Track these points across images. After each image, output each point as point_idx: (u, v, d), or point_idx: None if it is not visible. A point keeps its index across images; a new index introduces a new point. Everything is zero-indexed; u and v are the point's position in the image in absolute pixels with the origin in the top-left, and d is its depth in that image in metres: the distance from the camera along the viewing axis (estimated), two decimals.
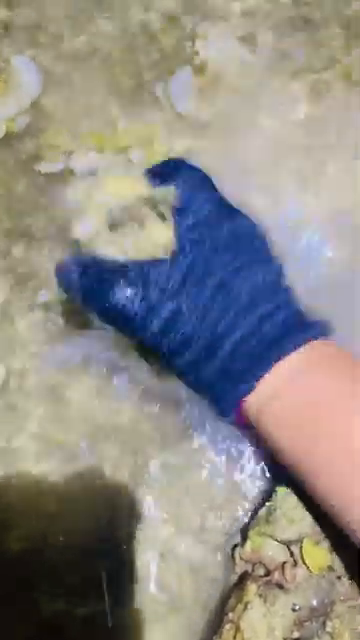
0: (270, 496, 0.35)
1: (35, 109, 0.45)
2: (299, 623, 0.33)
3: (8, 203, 0.43)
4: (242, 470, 0.38)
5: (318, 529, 0.34)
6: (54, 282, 0.34)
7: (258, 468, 0.37)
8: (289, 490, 0.34)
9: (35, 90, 0.45)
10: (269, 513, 0.34)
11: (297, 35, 0.45)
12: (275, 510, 0.34)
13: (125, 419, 0.39)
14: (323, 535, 0.33)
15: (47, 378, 0.40)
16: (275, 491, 0.35)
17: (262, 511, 0.35)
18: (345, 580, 0.33)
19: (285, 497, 0.34)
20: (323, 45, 0.45)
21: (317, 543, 0.33)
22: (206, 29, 0.45)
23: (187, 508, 0.37)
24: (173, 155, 0.42)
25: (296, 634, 0.32)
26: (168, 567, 0.37)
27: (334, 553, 0.33)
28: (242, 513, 0.37)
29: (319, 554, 0.33)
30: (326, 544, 0.33)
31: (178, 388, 0.37)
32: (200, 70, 0.45)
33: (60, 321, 0.40)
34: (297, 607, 0.33)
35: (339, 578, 0.33)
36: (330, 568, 0.33)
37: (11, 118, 0.44)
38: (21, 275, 0.42)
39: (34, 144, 0.44)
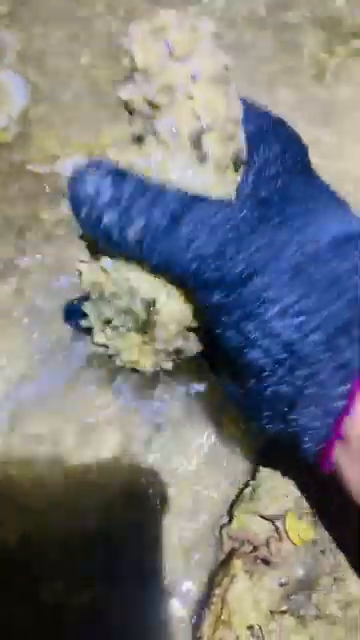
0: (254, 476, 0.36)
1: (24, 119, 0.47)
2: (286, 597, 0.34)
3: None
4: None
5: (301, 505, 0.35)
6: None
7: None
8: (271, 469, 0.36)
9: (23, 102, 0.48)
10: (253, 491, 0.36)
11: None
12: (259, 487, 0.35)
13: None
14: (305, 511, 0.35)
15: None
16: (258, 470, 0.36)
17: (247, 490, 0.36)
18: (329, 554, 0.34)
19: (268, 475, 0.36)
20: None
21: (300, 518, 0.34)
22: None
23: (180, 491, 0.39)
24: None
25: (284, 607, 0.33)
26: (162, 549, 0.38)
27: (317, 528, 0.34)
28: (230, 495, 0.38)
29: (302, 527, 0.34)
30: (309, 519, 0.34)
31: None
32: None
33: None
34: (283, 581, 0.34)
35: (323, 552, 0.34)
36: (314, 542, 0.34)
37: (2, 128, 0.47)
38: None
39: (25, 151, 0.47)
